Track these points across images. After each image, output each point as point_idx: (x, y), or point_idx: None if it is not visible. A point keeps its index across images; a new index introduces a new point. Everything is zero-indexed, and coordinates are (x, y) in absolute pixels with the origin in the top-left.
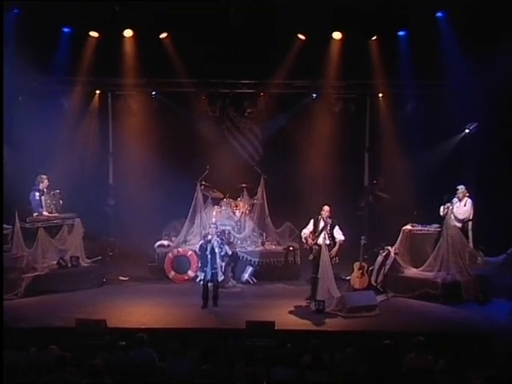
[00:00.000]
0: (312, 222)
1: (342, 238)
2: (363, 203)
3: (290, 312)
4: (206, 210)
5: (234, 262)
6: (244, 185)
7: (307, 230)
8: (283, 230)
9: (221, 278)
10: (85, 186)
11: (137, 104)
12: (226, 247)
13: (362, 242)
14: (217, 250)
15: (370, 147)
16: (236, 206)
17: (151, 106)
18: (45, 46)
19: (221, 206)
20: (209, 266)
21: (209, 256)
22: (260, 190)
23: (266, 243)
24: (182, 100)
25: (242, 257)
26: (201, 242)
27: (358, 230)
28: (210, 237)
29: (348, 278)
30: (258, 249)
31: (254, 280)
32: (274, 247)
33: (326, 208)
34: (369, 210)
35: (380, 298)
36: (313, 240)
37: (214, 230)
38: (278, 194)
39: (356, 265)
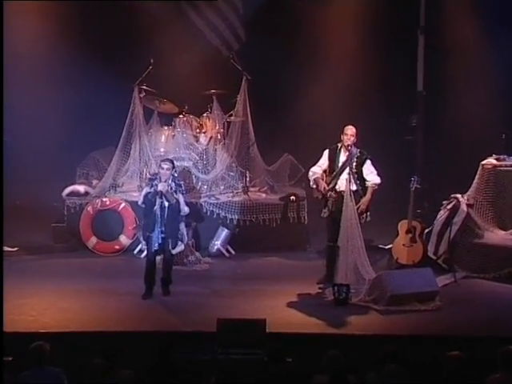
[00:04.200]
0: (327, 153)
1: (378, 180)
2: (415, 120)
3: (292, 304)
4: (149, 133)
5: (198, 221)
6: (214, 91)
7: (319, 168)
8: (280, 168)
9: (178, 248)
10: None
11: None
12: (181, 200)
13: (413, 185)
14: (166, 204)
15: (428, 26)
16: (200, 127)
17: None
18: None
19: (174, 127)
20: (157, 228)
21: (158, 213)
22: (240, 100)
23: (252, 189)
24: None
25: (211, 212)
26: (145, 191)
27: (405, 166)
28: (160, 186)
29: (389, 246)
30: (237, 199)
31: (231, 251)
32: (264, 196)
33: (351, 130)
34: (425, 132)
35: (443, 279)
36: (328, 184)
37: (167, 171)
38: (272, 106)
39: (402, 225)
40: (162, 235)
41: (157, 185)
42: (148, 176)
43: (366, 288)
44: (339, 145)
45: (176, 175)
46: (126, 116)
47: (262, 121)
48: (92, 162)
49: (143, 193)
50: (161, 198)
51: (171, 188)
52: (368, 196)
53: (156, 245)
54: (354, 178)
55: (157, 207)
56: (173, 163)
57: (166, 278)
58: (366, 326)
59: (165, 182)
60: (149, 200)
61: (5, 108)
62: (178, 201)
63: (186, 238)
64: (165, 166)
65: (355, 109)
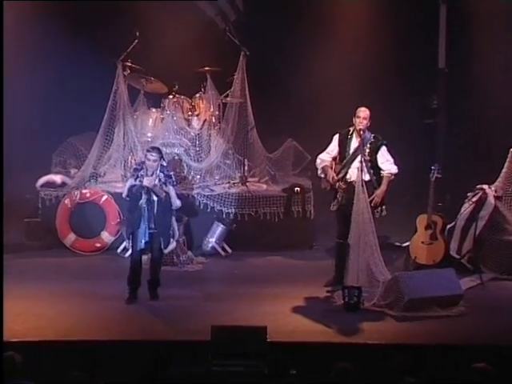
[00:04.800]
0: (337, 138)
1: (394, 169)
2: (436, 101)
3: (296, 309)
4: (135, 115)
5: (190, 215)
6: (207, 68)
7: (328, 155)
8: (283, 155)
9: (171, 246)
10: None
11: None
12: (172, 193)
13: (434, 175)
14: (155, 198)
15: None
16: (192, 109)
17: None
18: None
19: (163, 109)
20: (143, 224)
21: (144, 206)
22: (238, 79)
23: (251, 180)
24: None
25: (205, 205)
26: (129, 183)
27: (425, 153)
28: (146, 181)
29: (406, 244)
30: (234, 190)
31: (228, 249)
32: (264, 187)
33: (364, 112)
34: (447, 115)
35: (467, 281)
36: (338, 173)
37: (154, 163)
38: (273, 85)
39: (421, 220)
40: (150, 231)
41: (143, 176)
42: (133, 165)
43: (380, 291)
44: (351, 129)
45: (165, 165)
46: (108, 96)
47: (262, 102)
48: (70, 149)
49: (127, 185)
50: (147, 193)
51: (160, 180)
52: (383, 187)
53: (142, 242)
54: (366, 166)
55: (143, 201)
56: (161, 152)
57: (153, 279)
58: (379, 335)
59: (151, 175)
60: (133, 194)
61: None
62: (168, 194)
63: (177, 234)
64: (151, 158)
65: (368, 88)
